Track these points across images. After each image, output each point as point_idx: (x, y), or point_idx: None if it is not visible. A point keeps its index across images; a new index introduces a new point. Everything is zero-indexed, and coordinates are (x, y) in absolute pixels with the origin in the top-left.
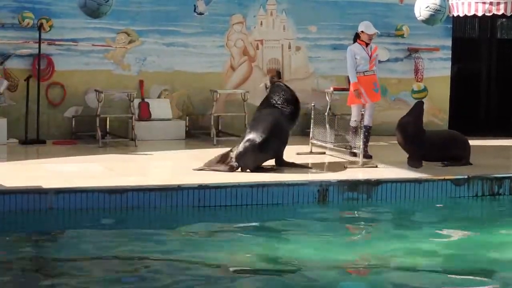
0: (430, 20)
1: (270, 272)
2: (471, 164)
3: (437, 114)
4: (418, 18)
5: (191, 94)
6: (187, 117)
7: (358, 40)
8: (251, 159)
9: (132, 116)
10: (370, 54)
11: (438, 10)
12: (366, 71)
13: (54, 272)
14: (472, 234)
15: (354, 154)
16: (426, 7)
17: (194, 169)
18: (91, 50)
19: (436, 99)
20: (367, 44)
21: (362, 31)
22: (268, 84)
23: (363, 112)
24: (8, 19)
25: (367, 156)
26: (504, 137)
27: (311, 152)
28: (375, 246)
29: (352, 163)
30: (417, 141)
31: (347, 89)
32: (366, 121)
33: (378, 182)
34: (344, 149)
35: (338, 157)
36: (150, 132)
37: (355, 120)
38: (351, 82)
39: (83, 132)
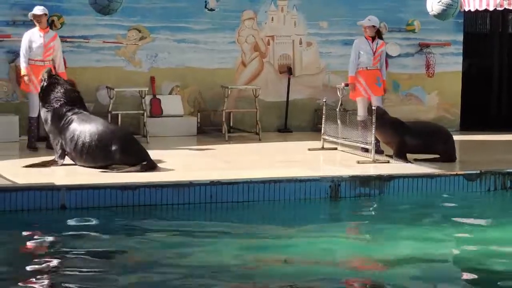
0: (442, 15)
1: (282, 267)
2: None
3: (448, 109)
4: (430, 13)
5: (203, 91)
6: (199, 114)
7: (365, 34)
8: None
9: (144, 113)
10: (374, 49)
11: (450, 5)
12: (369, 66)
13: (65, 269)
14: (484, 228)
15: (366, 150)
16: (439, 2)
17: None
18: (102, 47)
19: (447, 94)
20: (373, 39)
21: (365, 26)
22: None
23: (374, 108)
24: (20, 16)
25: (378, 151)
26: None
27: (322, 148)
28: (387, 242)
29: (364, 158)
30: (400, 130)
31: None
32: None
33: (390, 178)
34: (356, 145)
35: (350, 153)
36: (162, 128)
37: (362, 115)
38: (349, 75)
39: None
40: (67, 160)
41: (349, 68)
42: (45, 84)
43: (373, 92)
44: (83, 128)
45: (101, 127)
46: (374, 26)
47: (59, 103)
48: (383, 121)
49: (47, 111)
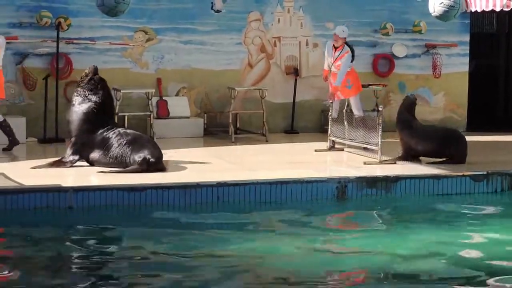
0: (444, 16)
1: (290, 268)
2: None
3: (455, 110)
4: (432, 14)
5: (209, 92)
6: (205, 115)
7: (333, 42)
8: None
9: (151, 114)
10: (335, 59)
11: (452, 6)
12: (336, 71)
13: (72, 270)
14: (491, 229)
15: (366, 149)
16: (440, 3)
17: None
18: (109, 49)
19: (454, 95)
20: (337, 49)
21: (334, 33)
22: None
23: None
24: (26, 18)
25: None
26: None
27: (330, 149)
28: (394, 242)
29: (371, 159)
30: (406, 132)
31: (365, 86)
32: (355, 113)
33: (397, 179)
34: (361, 145)
35: (356, 154)
36: (169, 130)
37: (332, 113)
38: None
39: None
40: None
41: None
42: (98, 86)
43: (342, 94)
44: (123, 139)
45: (136, 138)
46: (345, 38)
47: (106, 111)
48: (398, 117)
49: (90, 112)
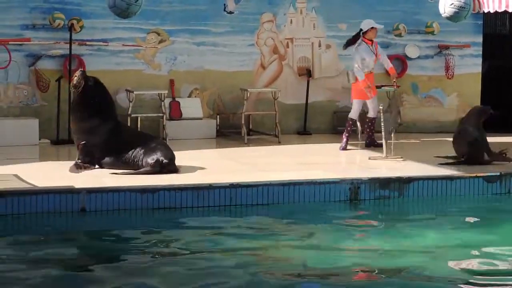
0: (454, 17)
1: (302, 271)
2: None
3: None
4: (442, 15)
5: (222, 93)
6: (218, 116)
7: (364, 39)
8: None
9: (163, 116)
10: (374, 51)
11: (462, 7)
12: (372, 69)
13: (85, 272)
14: (505, 231)
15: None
16: (451, 4)
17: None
18: (122, 50)
19: (467, 96)
20: (372, 42)
21: (372, 27)
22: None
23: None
24: (39, 20)
25: (377, 144)
26: None
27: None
28: (407, 244)
29: (376, 154)
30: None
31: (378, 87)
32: (373, 114)
33: (410, 180)
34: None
35: (369, 153)
36: (181, 131)
37: (354, 114)
38: (359, 79)
39: None
40: None
41: (357, 74)
42: (93, 91)
43: (373, 93)
44: (135, 142)
45: (147, 140)
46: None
47: (108, 112)
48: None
49: (96, 118)
